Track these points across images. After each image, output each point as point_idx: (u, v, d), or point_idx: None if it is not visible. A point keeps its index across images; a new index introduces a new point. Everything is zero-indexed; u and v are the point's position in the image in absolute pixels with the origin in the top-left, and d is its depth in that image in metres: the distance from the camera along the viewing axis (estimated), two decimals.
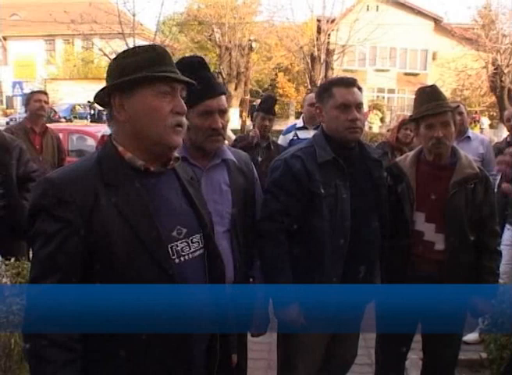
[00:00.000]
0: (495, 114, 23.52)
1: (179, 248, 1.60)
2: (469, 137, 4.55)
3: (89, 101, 25.65)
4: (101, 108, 2.36)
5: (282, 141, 5.13)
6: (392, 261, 2.70)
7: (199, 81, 1.96)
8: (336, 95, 2.52)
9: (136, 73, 1.54)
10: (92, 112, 25.08)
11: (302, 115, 5.24)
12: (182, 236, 1.62)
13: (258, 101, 9.74)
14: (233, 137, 5.36)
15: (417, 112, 2.70)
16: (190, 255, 1.62)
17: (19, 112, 25.66)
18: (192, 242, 1.64)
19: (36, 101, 5.08)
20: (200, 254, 1.66)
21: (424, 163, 2.73)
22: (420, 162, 2.75)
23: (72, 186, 1.48)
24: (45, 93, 5.48)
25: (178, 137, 1.60)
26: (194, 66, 2.22)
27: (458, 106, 4.18)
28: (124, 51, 1.64)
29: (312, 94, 5.22)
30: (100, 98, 1.62)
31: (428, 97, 2.66)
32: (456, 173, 2.65)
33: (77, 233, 1.46)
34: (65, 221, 1.45)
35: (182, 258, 1.60)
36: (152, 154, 1.60)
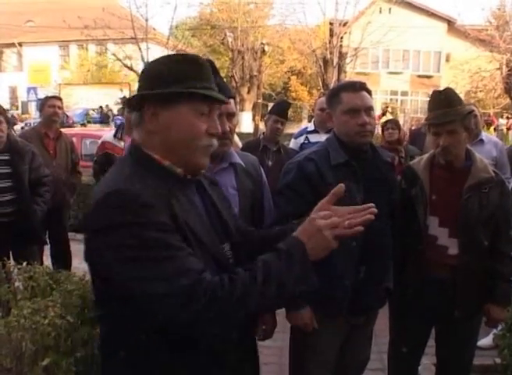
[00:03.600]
0: (510, 116, 23.29)
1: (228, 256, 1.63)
2: (482, 140, 4.48)
3: (101, 107, 25.92)
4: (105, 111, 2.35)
5: (293, 144, 5.12)
6: (405, 265, 2.68)
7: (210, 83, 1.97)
8: (344, 100, 2.51)
9: (176, 84, 1.48)
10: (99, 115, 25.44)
11: (313, 118, 5.23)
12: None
13: (271, 104, 9.75)
14: (240, 144, 5.35)
15: (427, 117, 2.68)
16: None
17: (34, 117, 25.92)
18: (223, 250, 1.63)
19: (50, 107, 5.12)
20: (232, 263, 1.62)
21: (439, 167, 2.70)
22: (434, 165, 2.72)
23: (143, 190, 1.41)
24: (59, 98, 5.53)
25: (206, 158, 1.57)
26: None
27: (472, 111, 4.13)
28: (165, 57, 1.58)
29: (323, 99, 5.21)
30: (133, 100, 1.55)
31: (438, 103, 2.60)
32: (470, 177, 2.61)
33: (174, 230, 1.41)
34: (163, 225, 1.39)
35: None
36: (183, 167, 1.55)
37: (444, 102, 2.58)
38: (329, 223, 1.41)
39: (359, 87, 2.54)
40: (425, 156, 2.81)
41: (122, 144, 5.22)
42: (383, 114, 21.32)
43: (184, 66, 1.51)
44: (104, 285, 1.46)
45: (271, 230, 1.79)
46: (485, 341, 4.02)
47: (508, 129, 21.16)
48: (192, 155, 1.53)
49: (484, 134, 4.61)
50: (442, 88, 2.80)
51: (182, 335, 1.42)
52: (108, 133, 5.65)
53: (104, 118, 25.66)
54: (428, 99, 2.72)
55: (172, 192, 1.47)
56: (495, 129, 21.12)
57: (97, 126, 22.59)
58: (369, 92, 2.57)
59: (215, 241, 1.57)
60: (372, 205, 1.48)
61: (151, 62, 1.61)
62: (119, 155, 5.18)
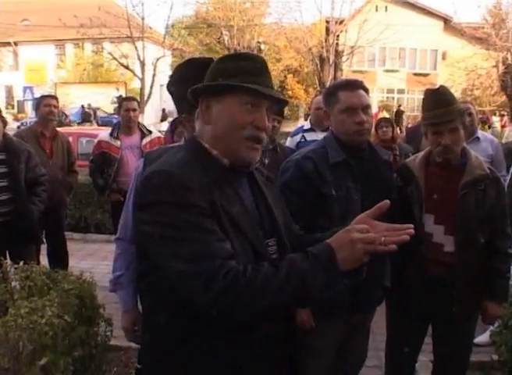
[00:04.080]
0: (505, 113, 23.33)
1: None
2: (478, 137, 4.46)
3: (82, 105, 25.78)
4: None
5: (289, 143, 5.11)
6: (401, 263, 2.68)
7: None
8: (341, 99, 2.51)
9: (227, 78, 1.58)
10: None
11: (309, 117, 5.23)
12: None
13: None
14: None
15: (425, 117, 2.66)
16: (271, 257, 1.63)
17: (30, 116, 25.86)
18: (268, 245, 1.65)
19: (46, 106, 5.11)
20: (275, 258, 1.63)
21: (434, 164, 2.70)
22: (429, 163, 2.72)
23: (190, 175, 1.49)
24: (55, 97, 5.51)
25: (254, 153, 1.61)
26: (203, 67, 2.21)
27: (468, 108, 4.12)
28: (225, 55, 1.72)
29: (319, 98, 5.21)
30: (193, 95, 1.66)
31: (436, 102, 2.59)
32: (466, 174, 2.61)
33: (209, 215, 1.46)
34: (196, 206, 1.45)
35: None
36: (232, 159, 1.60)
37: (443, 101, 2.57)
38: (364, 237, 1.43)
39: (356, 86, 2.54)
40: (421, 154, 2.81)
41: (119, 142, 5.21)
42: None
43: (236, 61, 1.62)
44: (144, 257, 1.58)
45: (323, 235, 1.79)
46: (482, 337, 4.03)
47: (502, 126, 21.21)
48: (236, 145, 1.58)
49: (480, 132, 4.60)
50: (435, 87, 2.79)
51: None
52: (104, 132, 5.65)
53: (85, 117, 25.42)
54: (423, 98, 2.71)
55: (215, 180, 1.53)
56: (489, 127, 21.16)
57: (94, 125, 22.49)
58: (366, 90, 2.57)
59: (257, 233, 1.60)
60: (411, 225, 1.49)
61: (219, 59, 1.72)
62: (115, 154, 5.18)
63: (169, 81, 2.30)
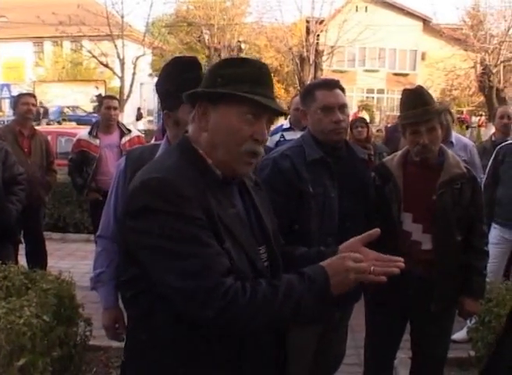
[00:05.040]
0: (483, 113, 23.64)
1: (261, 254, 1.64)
2: (452, 142, 4.28)
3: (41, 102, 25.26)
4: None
5: (269, 142, 5.12)
6: None
7: (192, 80, 1.96)
8: (318, 98, 2.53)
9: (228, 86, 1.50)
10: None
11: (289, 116, 5.25)
12: None
13: None
14: None
15: (403, 116, 2.68)
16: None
17: (8, 114, 25.49)
18: (260, 253, 1.64)
19: (23, 104, 5.05)
20: (266, 265, 1.64)
21: (412, 163, 2.73)
22: (407, 162, 2.75)
23: (183, 182, 1.45)
24: (33, 95, 5.46)
25: (249, 167, 1.58)
26: (187, 66, 2.22)
27: (447, 109, 4.08)
28: (228, 59, 1.67)
29: (298, 98, 5.23)
30: (191, 98, 1.59)
31: (415, 101, 2.61)
32: (443, 174, 2.65)
33: (206, 227, 1.43)
34: (196, 219, 1.41)
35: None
36: (225, 169, 1.56)
37: (421, 101, 2.60)
38: (358, 267, 1.45)
39: (333, 85, 2.57)
40: (399, 153, 2.84)
41: (98, 141, 5.18)
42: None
43: (240, 68, 1.54)
44: (132, 264, 1.52)
45: (310, 251, 1.83)
46: (460, 334, 4.08)
47: (480, 126, 21.49)
48: (233, 160, 1.53)
49: (454, 135, 4.43)
50: (413, 87, 2.81)
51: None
52: (83, 130, 5.61)
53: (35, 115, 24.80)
54: (401, 98, 2.73)
55: (210, 188, 1.49)
56: (467, 127, 21.42)
57: (73, 124, 22.23)
58: (343, 90, 2.60)
59: (252, 242, 1.59)
60: (401, 259, 1.52)
61: (220, 63, 1.65)
62: (94, 152, 5.14)
63: (157, 79, 2.33)
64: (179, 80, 2.11)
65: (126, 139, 5.23)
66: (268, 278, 1.52)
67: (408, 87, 2.93)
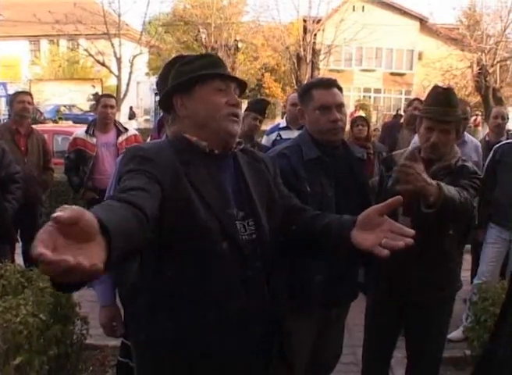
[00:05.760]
0: (479, 113, 23.67)
1: (238, 228, 1.71)
2: (465, 141, 4.27)
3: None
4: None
5: (265, 141, 5.13)
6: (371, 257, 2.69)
7: None
8: (315, 97, 2.53)
9: (192, 74, 1.76)
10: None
11: (285, 115, 5.26)
12: (239, 217, 1.73)
13: (245, 101, 9.73)
14: None
15: (424, 110, 2.66)
16: (247, 237, 1.72)
17: (4, 113, 25.42)
18: (248, 225, 1.74)
19: (19, 103, 5.03)
20: (254, 238, 1.73)
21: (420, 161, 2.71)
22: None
23: (156, 151, 1.66)
24: (29, 93, 5.43)
25: (234, 124, 1.76)
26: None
27: (465, 118, 3.91)
28: (182, 60, 1.87)
29: (295, 94, 5.24)
30: (163, 103, 1.86)
31: (441, 100, 2.59)
32: (433, 166, 2.62)
33: (160, 186, 1.54)
34: (150, 173, 1.55)
35: (242, 237, 1.70)
36: (214, 141, 1.75)
37: (447, 101, 2.58)
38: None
39: (330, 84, 2.57)
40: (409, 149, 2.83)
41: (94, 140, 5.16)
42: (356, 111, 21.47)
43: (197, 61, 1.81)
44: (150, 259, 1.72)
45: (330, 223, 1.79)
46: (455, 333, 4.10)
47: (476, 126, 21.53)
48: (218, 123, 1.73)
49: (467, 136, 4.38)
50: (446, 86, 2.79)
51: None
52: (79, 129, 5.59)
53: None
54: (429, 92, 2.70)
55: (189, 161, 1.67)
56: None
57: (69, 122, 22.18)
58: (340, 89, 2.60)
59: (229, 213, 1.69)
60: (412, 232, 1.45)
61: (172, 67, 1.93)
62: (90, 151, 5.13)
63: (158, 77, 2.38)
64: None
65: (122, 138, 5.20)
66: (241, 246, 1.67)
67: (440, 84, 2.88)
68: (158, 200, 1.48)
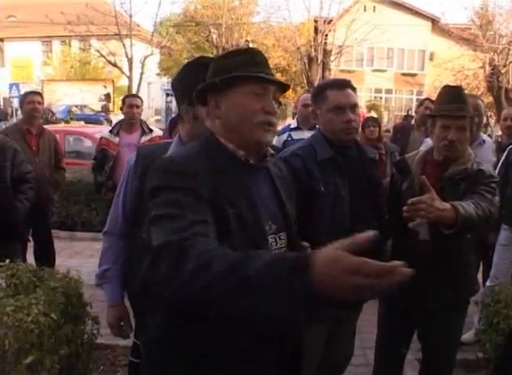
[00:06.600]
0: (492, 114, 23.55)
1: (270, 242, 1.66)
2: (484, 141, 4.11)
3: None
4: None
5: (276, 141, 5.11)
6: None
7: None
8: (329, 98, 2.53)
9: (230, 73, 1.64)
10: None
11: (296, 116, 5.25)
12: (272, 231, 1.68)
13: None
14: None
15: (437, 109, 2.65)
16: (277, 251, 1.67)
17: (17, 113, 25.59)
18: (280, 239, 1.70)
19: (29, 103, 5.05)
20: (283, 251, 1.69)
21: (432, 164, 2.67)
22: (427, 161, 2.71)
23: (193, 162, 1.55)
24: (39, 93, 5.45)
25: (266, 134, 1.67)
26: (209, 64, 2.24)
27: (480, 114, 3.84)
28: (221, 54, 1.80)
29: (306, 95, 5.23)
30: (200, 96, 1.73)
31: (453, 97, 2.59)
32: (449, 170, 2.60)
33: (206, 203, 1.47)
34: (196, 192, 1.47)
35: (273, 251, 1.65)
36: (247, 148, 1.67)
37: (459, 98, 2.58)
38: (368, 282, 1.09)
39: (344, 85, 2.57)
40: (421, 151, 2.81)
41: (117, 139, 5.17)
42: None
43: (237, 57, 1.70)
44: None
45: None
46: (468, 336, 4.06)
47: (484, 126, 21.41)
48: (250, 131, 1.65)
49: (484, 136, 4.23)
50: (453, 84, 2.79)
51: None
52: (106, 128, 5.61)
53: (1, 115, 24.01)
54: (439, 92, 2.70)
55: (224, 172, 1.58)
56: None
57: (81, 122, 22.31)
58: (354, 90, 2.60)
59: (262, 228, 1.63)
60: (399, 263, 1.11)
61: (216, 58, 1.80)
62: (112, 150, 5.14)
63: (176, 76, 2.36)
64: (200, 76, 2.14)
65: (145, 138, 5.16)
66: None
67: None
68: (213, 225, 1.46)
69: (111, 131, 5.25)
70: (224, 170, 1.58)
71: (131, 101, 5.23)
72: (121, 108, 5.45)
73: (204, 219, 1.44)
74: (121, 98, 5.96)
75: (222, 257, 1.23)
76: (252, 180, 1.67)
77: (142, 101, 5.48)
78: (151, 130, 5.31)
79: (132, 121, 5.21)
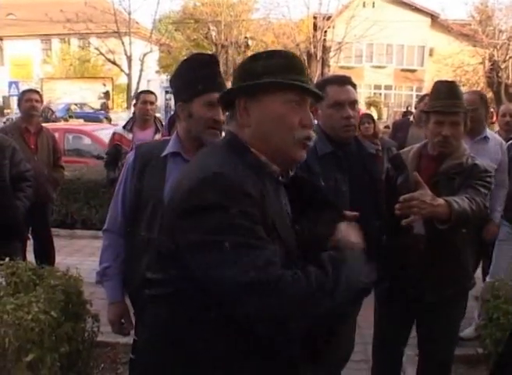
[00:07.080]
0: (492, 110, 23.56)
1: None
2: (487, 137, 3.97)
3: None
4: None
5: None
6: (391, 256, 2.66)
7: (209, 74, 2.12)
8: (329, 94, 2.53)
9: (265, 77, 1.48)
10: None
11: None
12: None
13: None
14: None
15: (431, 105, 2.66)
16: None
17: (16, 112, 25.59)
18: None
19: (27, 101, 5.04)
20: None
21: (427, 159, 2.69)
22: (422, 156, 2.73)
23: (246, 180, 1.40)
24: (37, 91, 5.42)
25: (304, 151, 1.54)
26: (206, 61, 2.27)
27: (475, 109, 3.73)
28: (256, 54, 1.59)
29: None
30: (225, 98, 1.58)
31: (446, 93, 2.60)
32: (443, 164, 2.61)
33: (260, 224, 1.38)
34: (252, 215, 1.36)
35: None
36: (279, 163, 1.53)
37: (452, 93, 2.59)
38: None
39: (344, 81, 2.58)
40: (416, 146, 2.81)
41: (131, 136, 5.15)
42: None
43: (275, 60, 1.52)
44: (178, 264, 1.42)
45: None
46: (468, 331, 4.06)
47: (492, 123, 21.41)
48: (288, 147, 1.50)
49: (488, 131, 4.05)
50: (448, 80, 2.80)
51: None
52: (119, 124, 5.59)
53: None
54: (432, 88, 2.71)
55: (265, 186, 1.45)
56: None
57: (80, 120, 22.30)
58: (354, 86, 2.62)
59: (294, 240, 1.54)
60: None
61: (244, 60, 1.60)
62: (126, 146, 5.12)
63: (173, 74, 2.37)
64: (197, 73, 2.17)
65: (159, 136, 5.11)
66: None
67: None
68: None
69: (124, 127, 5.22)
70: (263, 188, 1.44)
71: (145, 98, 5.17)
72: (134, 105, 5.41)
73: (273, 246, 1.38)
74: (133, 94, 5.95)
75: (329, 279, 1.36)
76: (282, 196, 1.58)
77: (156, 98, 5.43)
78: None
79: (145, 117, 5.16)
